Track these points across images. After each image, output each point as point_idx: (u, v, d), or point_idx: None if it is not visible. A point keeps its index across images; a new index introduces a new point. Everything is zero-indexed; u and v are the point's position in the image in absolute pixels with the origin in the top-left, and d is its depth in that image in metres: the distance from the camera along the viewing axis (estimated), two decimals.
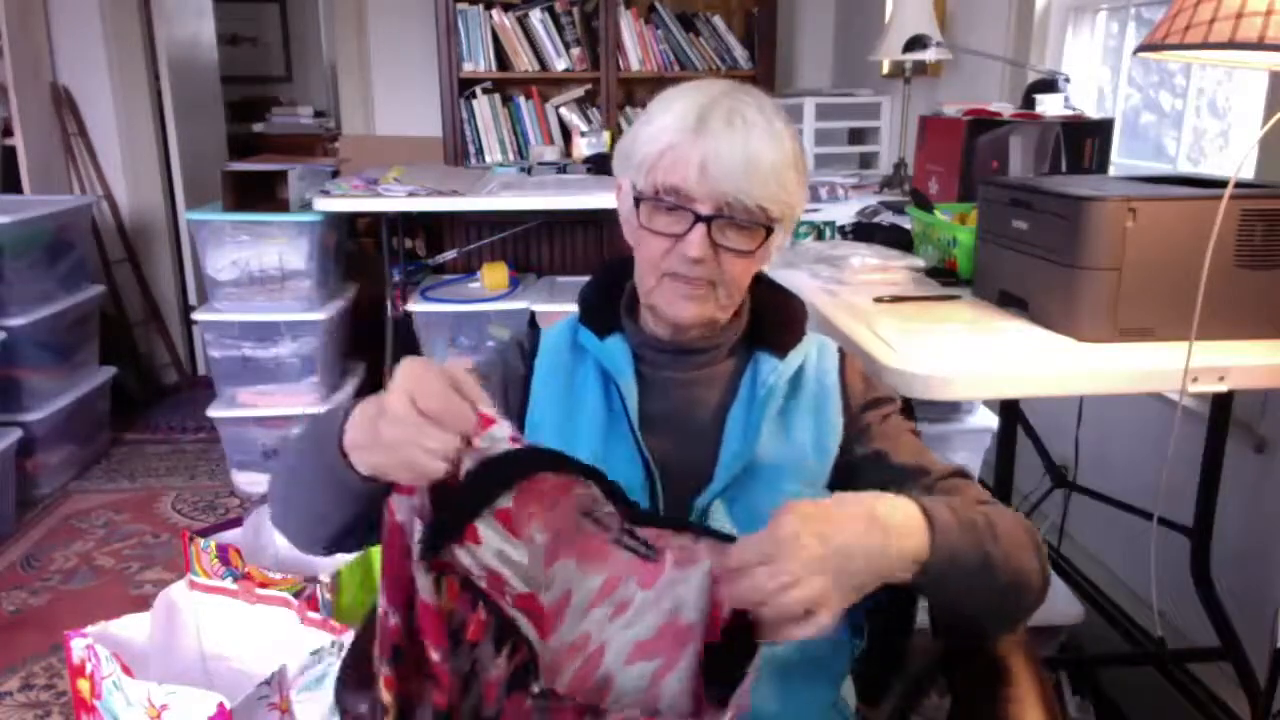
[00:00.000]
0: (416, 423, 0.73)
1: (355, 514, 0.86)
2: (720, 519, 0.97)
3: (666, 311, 1.00)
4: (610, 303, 1.08)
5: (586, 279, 1.15)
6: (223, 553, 1.94)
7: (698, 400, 1.04)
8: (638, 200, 0.98)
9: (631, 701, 0.79)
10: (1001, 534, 0.88)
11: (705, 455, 1.00)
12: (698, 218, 0.95)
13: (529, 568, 0.80)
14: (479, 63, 3.72)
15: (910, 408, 1.46)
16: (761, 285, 1.08)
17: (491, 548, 0.78)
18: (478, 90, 3.80)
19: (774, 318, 1.07)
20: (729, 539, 0.80)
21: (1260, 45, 1.16)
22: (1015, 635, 1.01)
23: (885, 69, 3.45)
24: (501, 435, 0.77)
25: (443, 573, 0.77)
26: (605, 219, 3.23)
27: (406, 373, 0.75)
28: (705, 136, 0.94)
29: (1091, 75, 2.46)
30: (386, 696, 0.78)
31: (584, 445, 1.00)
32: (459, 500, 0.76)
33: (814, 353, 1.07)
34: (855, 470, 1.02)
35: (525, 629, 0.80)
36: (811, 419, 1.03)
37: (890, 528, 0.80)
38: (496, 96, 3.82)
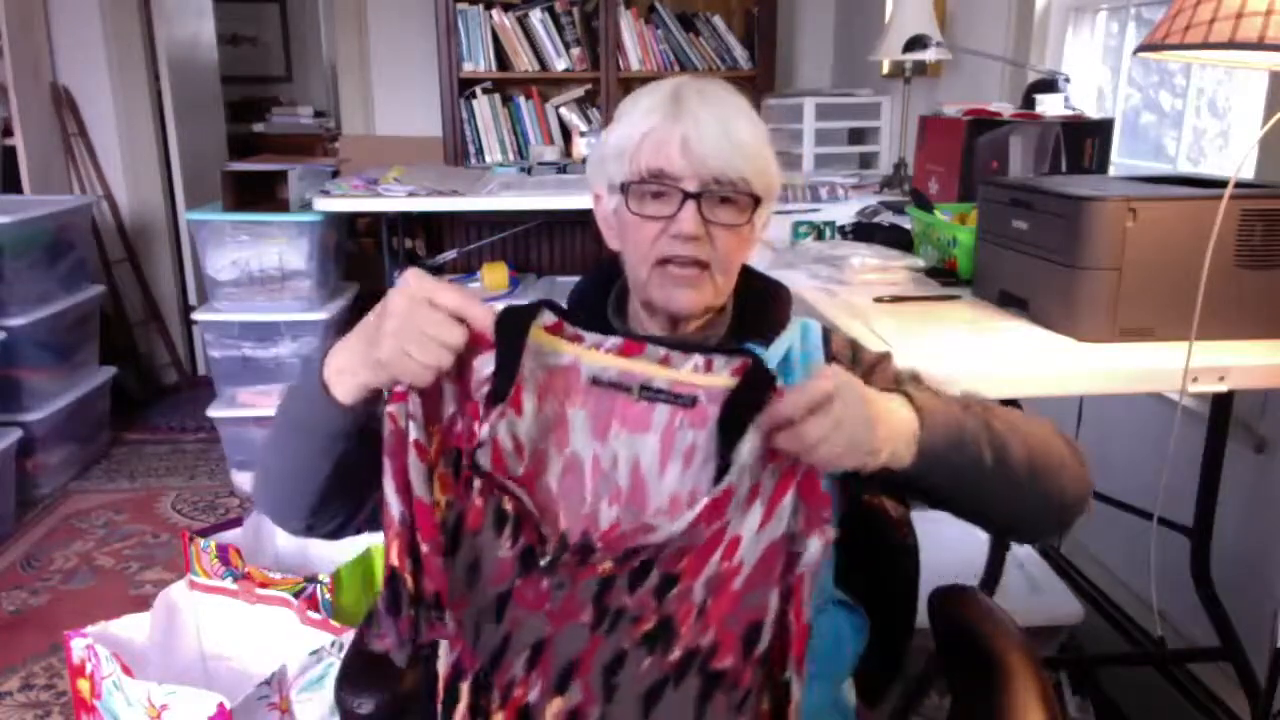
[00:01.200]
0: (429, 314, 0.76)
1: (332, 467, 0.86)
2: None
3: (663, 303, 1.00)
4: (601, 303, 1.09)
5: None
6: (223, 553, 1.94)
7: None
8: (624, 188, 0.99)
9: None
10: (1015, 422, 0.90)
11: None
12: (686, 195, 0.96)
13: (536, 439, 0.82)
14: (479, 63, 3.72)
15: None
16: (744, 278, 1.08)
17: (529, 417, 0.80)
18: (478, 90, 3.80)
19: (758, 307, 1.08)
20: (742, 354, 0.82)
21: (1260, 45, 1.16)
22: (1016, 638, 1.01)
23: (885, 69, 3.45)
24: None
25: (432, 468, 0.79)
26: None
27: (412, 277, 0.79)
28: (683, 116, 0.96)
29: (1091, 75, 2.46)
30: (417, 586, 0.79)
31: None
32: (503, 348, 0.79)
33: (798, 335, 1.07)
34: None
35: (530, 506, 0.80)
36: None
37: (893, 408, 0.85)
38: (496, 96, 3.82)
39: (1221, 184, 1.29)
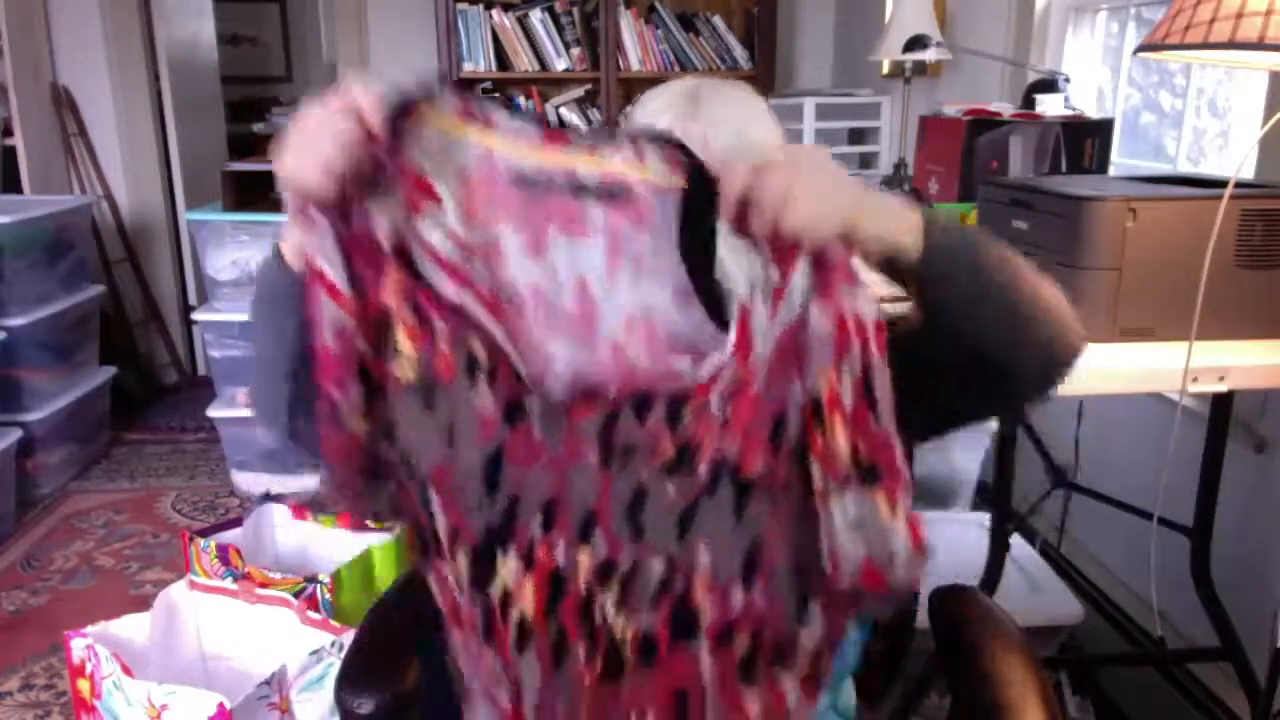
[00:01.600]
0: (312, 114, 0.72)
1: (297, 348, 0.81)
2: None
3: None
4: None
5: None
6: (223, 553, 1.94)
7: None
8: None
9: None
10: (1013, 260, 0.81)
11: None
12: None
13: (482, 248, 0.74)
14: (479, 63, 3.72)
15: None
16: None
17: (451, 215, 0.73)
18: (478, 90, 3.80)
19: None
20: (670, 143, 0.73)
21: (1260, 45, 1.16)
22: (1016, 638, 1.01)
23: (885, 69, 3.45)
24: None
25: (388, 316, 0.74)
26: None
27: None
28: (701, 116, 0.95)
29: (1091, 75, 2.46)
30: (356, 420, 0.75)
31: None
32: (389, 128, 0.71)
33: None
34: None
35: (502, 341, 0.74)
36: None
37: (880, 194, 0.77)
38: (497, 96, 3.82)
39: (1221, 184, 1.29)
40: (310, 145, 0.71)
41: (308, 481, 3.00)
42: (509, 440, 0.74)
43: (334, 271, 0.73)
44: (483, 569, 0.77)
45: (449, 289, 0.73)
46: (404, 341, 0.74)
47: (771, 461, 0.73)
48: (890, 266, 0.77)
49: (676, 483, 0.73)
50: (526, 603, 0.77)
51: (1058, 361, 0.84)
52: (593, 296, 0.74)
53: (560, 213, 0.73)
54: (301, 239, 0.74)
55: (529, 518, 0.75)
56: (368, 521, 2.06)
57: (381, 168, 0.72)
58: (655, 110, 0.98)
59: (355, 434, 0.75)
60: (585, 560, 0.76)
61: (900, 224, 0.76)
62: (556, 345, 0.74)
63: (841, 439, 0.71)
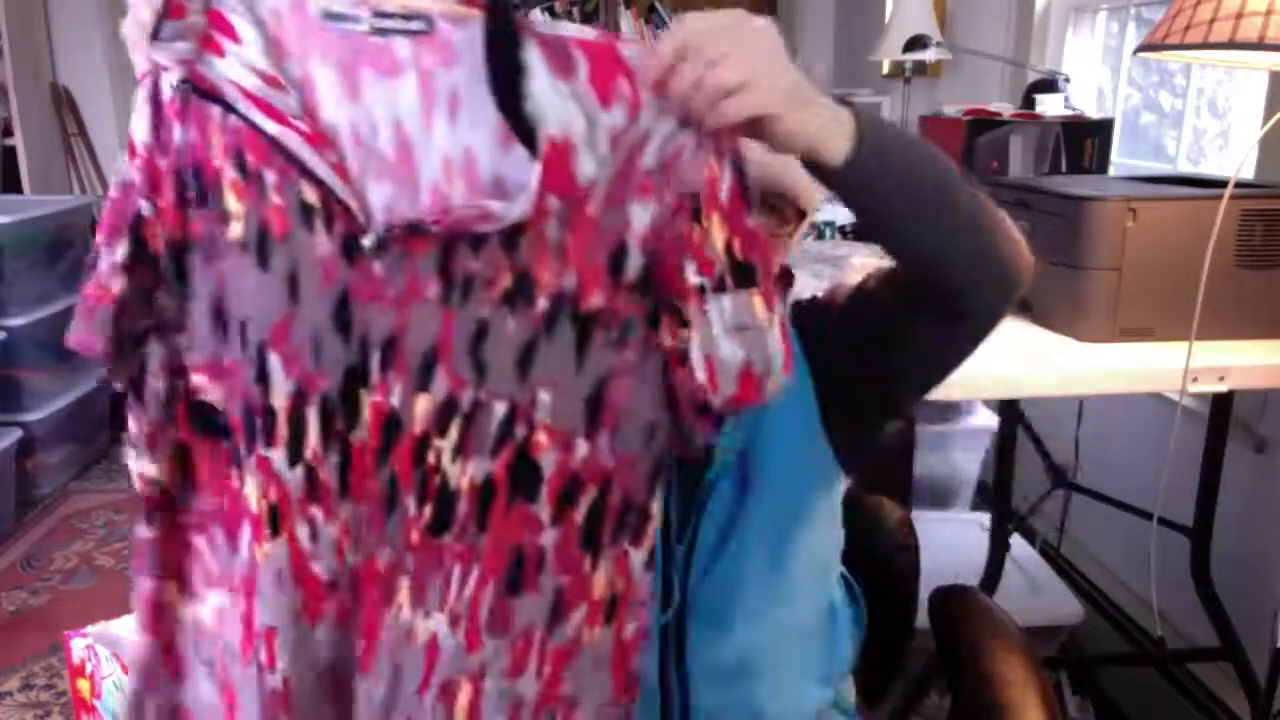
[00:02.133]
0: None
1: None
2: (723, 496, 0.96)
3: None
4: None
5: None
6: None
7: None
8: None
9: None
10: (962, 181, 0.80)
11: None
12: None
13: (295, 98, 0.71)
14: None
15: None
16: None
17: (254, 49, 0.70)
18: None
19: None
20: None
21: (1260, 45, 1.16)
22: (1016, 638, 1.01)
23: (885, 69, 3.45)
24: None
25: (219, 176, 0.71)
26: None
27: None
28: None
29: (1091, 75, 2.46)
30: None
31: None
32: None
33: None
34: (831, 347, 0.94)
35: (327, 177, 0.70)
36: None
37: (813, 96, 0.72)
38: None
39: (1221, 184, 1.29)
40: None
41: None
42: (351, 280, 0.71)
43: (136, 127, 0.72)
44: (343, 415, 0.73)
45: (270, 126, 0.70)
46: (231, 200, 0.71)
47: (612, 295, 0.71)
48: (814, 166, 0.73)
49: (517, 317, 0.71)
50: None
51: (996, 291, 0.84)
52: (409, 139, 0.71)
53: (369, 50, 0.70)
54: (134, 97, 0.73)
55: (371, 358, 0.72)
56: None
57: (180, 10, 0.70)
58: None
59: (111, 292, 0.74)
60: (424, 403, 0.72)
61: (835, 128, 0.71)
62: (377, 189, 0.71)
63: (719, 236, 0.70)
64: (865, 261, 1.77)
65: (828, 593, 1.02)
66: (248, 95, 0.70)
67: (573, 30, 0.69)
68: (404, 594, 0.76)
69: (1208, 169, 2.03)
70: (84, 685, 1.62)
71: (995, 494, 1.76)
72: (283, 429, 0.73)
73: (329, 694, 0.78)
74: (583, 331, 0.71)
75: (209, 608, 0.80)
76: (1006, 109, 2.22)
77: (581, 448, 0.74)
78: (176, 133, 0.71)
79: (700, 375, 0.71)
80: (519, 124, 0.69)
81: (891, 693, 1.21)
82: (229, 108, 0.70)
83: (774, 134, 0.69)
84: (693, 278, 0.70)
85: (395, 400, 0.72)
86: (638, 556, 0.77)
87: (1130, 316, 1.34)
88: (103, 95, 3.87)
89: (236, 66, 0.70)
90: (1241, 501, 1.72)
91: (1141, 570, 1.58)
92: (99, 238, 0.74)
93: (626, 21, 3.72)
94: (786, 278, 0.86)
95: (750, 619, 0.94)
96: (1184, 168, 2.08)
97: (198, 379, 0.76)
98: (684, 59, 0.65)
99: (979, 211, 0.81)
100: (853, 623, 1.05)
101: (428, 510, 0.74)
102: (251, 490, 0.75)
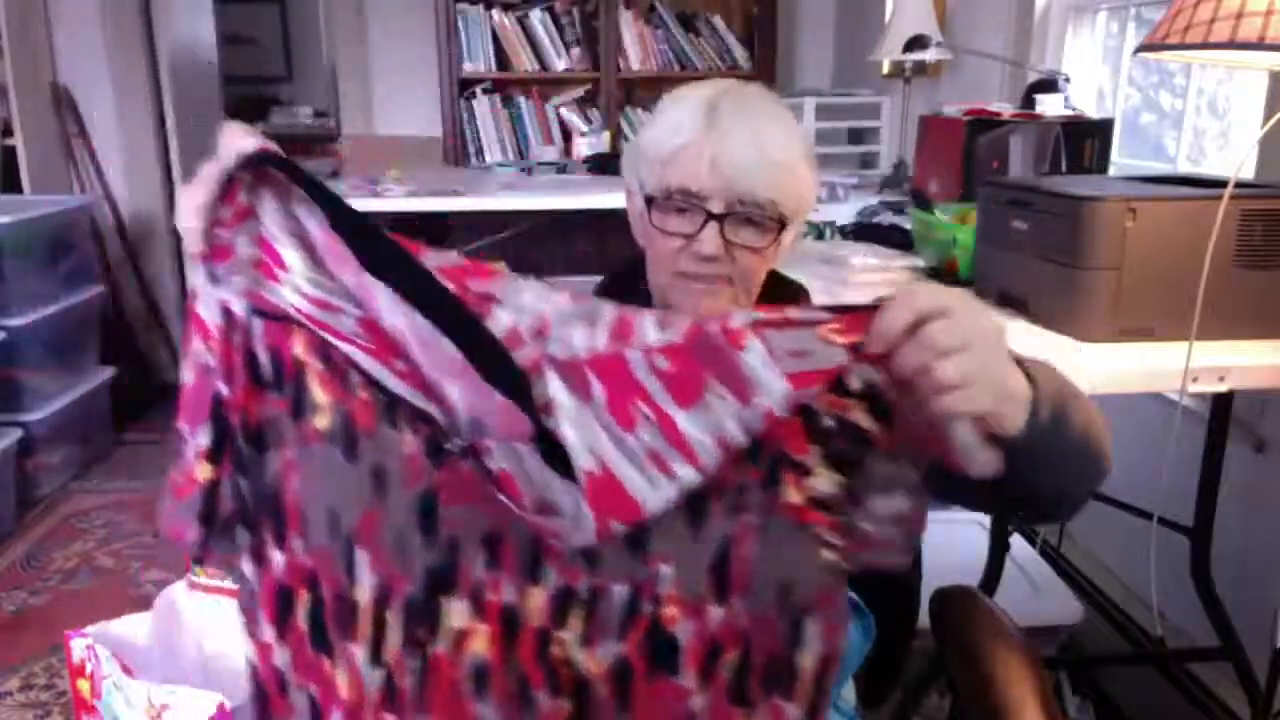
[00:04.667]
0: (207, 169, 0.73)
1: None
2: None
3: (684, 310, 0.98)
4: (627, 302, 1.05)
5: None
6: None
7: None
8: (649, 200, 0.98)
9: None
10: (1081, 398, 0.80)
11: None
12: (710, 216, 0.95)
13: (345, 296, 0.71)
14: (479, 63, 3.72)
15: None
16: (768, 284, 1.06)
17: (301, 274, 0.71)
18: (478, 90, 3.80)
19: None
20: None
21: (1260, 45, 1.16)
22: (1016, 639, 1.01)
23: (885, 69, 3.45)
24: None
25: (303, 368, 0.71)
26: (606, 219, 3.23)
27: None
28: (716, 132, 0.94)
29: (1091, 75, 2.46)
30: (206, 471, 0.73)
31: None
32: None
33: None
34: None
35: (400, 389, 0.71)
36: None
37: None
38: (496, 96, 3.82)
39: (1221, 184, 1.29)
40: (189, 202, 0.72)
41: None
42: (439, 479, 0.71)
43: (207, 311, 0.72)
44: (425, 621, 0.72)
45: (338, 344, 0.71)
46: (317, 391, 0.72)
47: (720, 467, 0.68)
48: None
49: None
50: (479, 644, 0.72)
51: (1086, 494, 0.87)
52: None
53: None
54: (190, 277, 0.73)
55: (473, 558, 0.71)
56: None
57: (225, 252, 0.71)
58: (676, 122, 0.97)
59: (199, 479, 0.73)
60: (538, 595, 0.71)
61: (1017, 398, 0.70)
62: (454, 386, 0.70)
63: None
64: (865, 261, 1.77)
65: None
66: (308, 318, 0.71)
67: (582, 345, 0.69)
68: None
69: (1208, 169, 2.03)
70: (84, 685, 1.62)
71: None
72: (365, 625, 0.73)
73: None
74: (695, 504, 0.69)
75: None
76: (1006, 109, 2.22)
77: (715, 612, 0.71)
78: (256, 320, 0.72)
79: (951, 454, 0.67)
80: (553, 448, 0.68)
81: (892, 693, 1.21)
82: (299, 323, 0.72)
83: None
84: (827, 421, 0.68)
85: (508, 597, 0.71)
86: (794, 712, 0.73)
87: (1130, 316, 1.34)
88: (103, 95, 3.87)
89: (290, 292, 0.71)
90: (1241, 501, 1.72)
91: (1141, 570, 1.58)
92: (180, 425, 0.73)
93: (626, 22, 3.72)
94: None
95: None
96: (1184, 168, 2.08)
97: (288, 562, 0.74)
98: (915, 339, 0.64)
99: (1094, 437, 0.82)
100: (862, 634, 1.05)
101: (564, 703, 0.72)
102: (342, 679, 0.74)
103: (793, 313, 0.67)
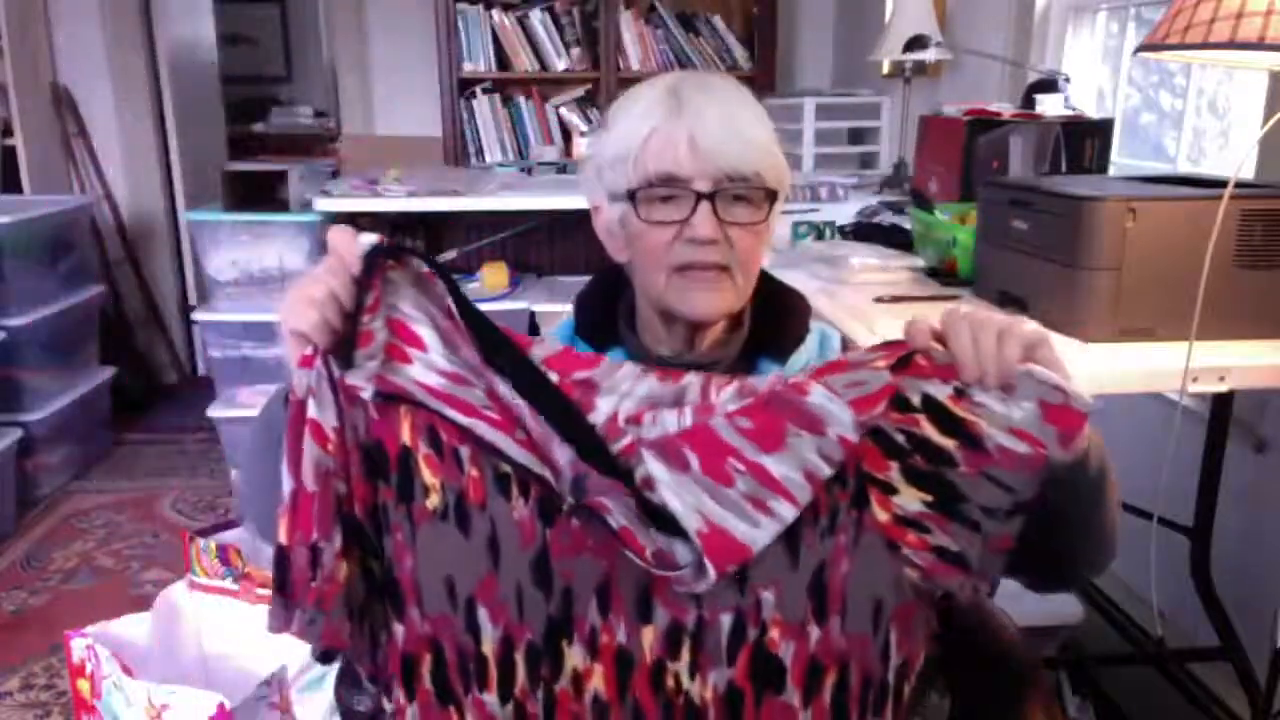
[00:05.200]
0: (312, 270, 0.75)
1: None
2: None
3: (685, 310, 0.95)
4: (609, 314, 1.03)
5: (587, 280, 1.11)
6: (223, 553, 1.94)
7: None
8: (632, 196, 0.93)
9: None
10: (1116, 481, 0.88)
11: None
12: (699, 196, 0.91)
13: (474, 376, 0.77)
14: (479, 63, 3.72)
15: None
16: (761, 286, 1.03)
17: (438, 351, 0.76)
18: (478, 90, 3.80)
19: (774, 321, 1.03)
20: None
21: (1260, 45, 1.16)
22: (1016, 638, 1.01)
23: (885, 69, 3.45)
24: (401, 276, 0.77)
25: (410, 454, 0.76)
26: None
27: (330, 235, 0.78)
28: (686, 112, 0.91)
29: (1091, 75, 2.46)
30: (343, 573, 0.76)
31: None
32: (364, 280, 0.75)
33: (816, 347, 1.03)
34: None
35: (521, 457, 0.76)
36: None
37: None
38: (496, 96, 3.82)
39: (1221, 184, 1.29)
40: (304, 298, 0.75)
41: None
42: (551, 538, 0.77)
43: (322, 413, 0.74)
44: (548, 663, 0.78)
45: (460, 419, 0.76)
46: (428, 475, 0.77)
47: (821, 491, 0.76)
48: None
49: None
50: (597, 682, 0.78)
51: (1089, 573, 0.96)
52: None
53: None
54: (296, 382, 0.75)
55: (586, 605, 0.78)
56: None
57: (369, 337, 0.76)
58: (640, 113, 0.93)
59: (339, 581, 0.75)
60: (649, 634, 0.78)
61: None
62: (561, 450, 0.76)
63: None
64: (866, 261, 1.77)
65: None
66: (436, 394, 0.76)
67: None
68: None
69: (1208, 169, 2.03)
70: (84, 685, 1.62)
71: None
72: (494, 672, 0.79)
73: None
74: (790, 532, 0.76)
75: None
76: (1006, 109, 2.22)
77: (815, 633, 0.78)
78: (358, 414, 0.76)
79: (1021, 447, 0.74)
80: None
81: None
82: (418, 402, 0.76)
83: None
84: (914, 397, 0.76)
85: (622, 638, 0.78)
86: None
87: (1130, 316, 1.34)
88: (103, 95, 3.87)
89: (422, 370, 0.76)
90: (1241, 501, 1.72)
91: (1141, 570, 1.58)
92: (314, 536, 0.74)
93: (626, 22, 3.72)
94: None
95: None
96: (1184, 168, 2.08)
97: (407, 632, 0.79)
98: (970, 330, 0.75)
99: (1114, 519, 0.90)
100: None
101: None
102: None
103: (842, 358, 0.79)
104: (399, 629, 0.79)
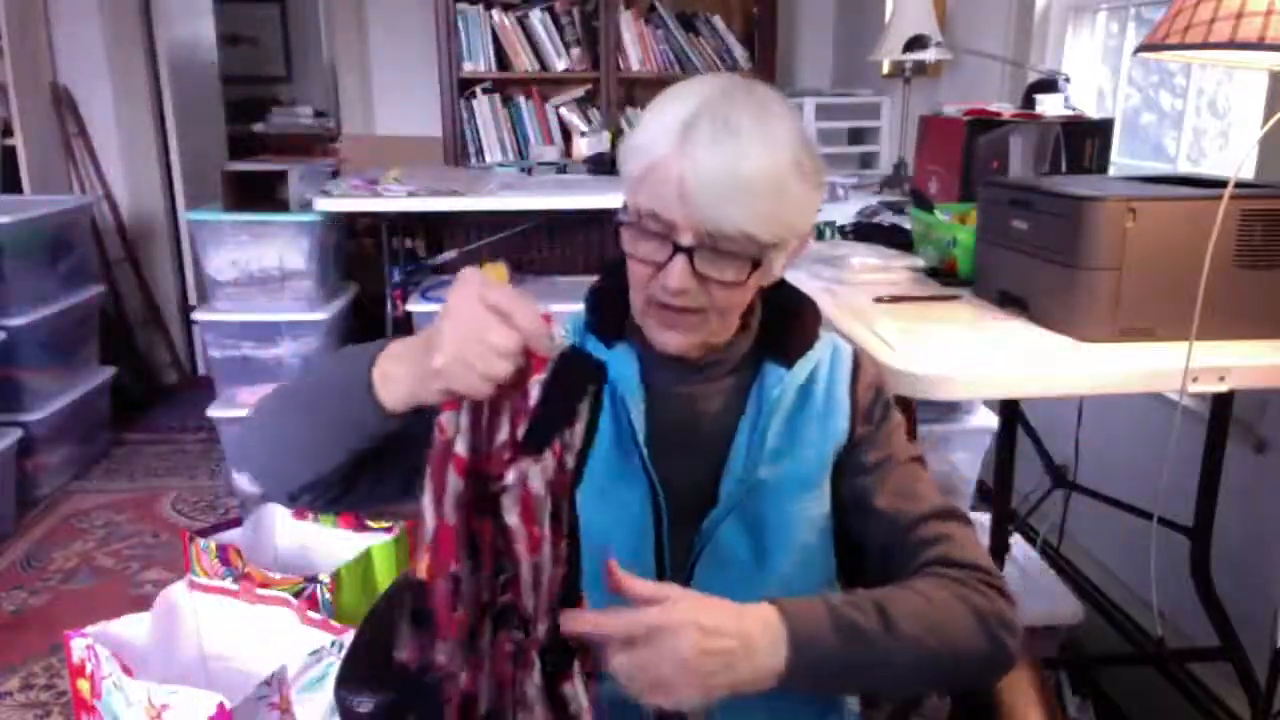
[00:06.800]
0: (483, 317, 0.71)
1: (345, 459, 0.84)
2: (729, 539, 0.96)
3: (654, 340, 0.95)
4: (618, 308, 1.01)
5: (587, 279, 1.10)
6: (223, 553, 1.94)
7: (705, 415, 0.99)
8: (620, 221, 0.92)
9: None
10: (916, 622, 0.83)
11: (711, 474, 0.97)
12: (677, 248, 0.87)
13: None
14: (479, 63, 3.72)
15: (912, 411, 1.46)
16: (773, 290, 1.01)
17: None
18: (478, 90, 3.80)
19: (783, 325, 1.02)
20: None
21: (1260, 45, 1.16)
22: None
23: (885, 69, 3.45)
24: (561, 343, 0.75)
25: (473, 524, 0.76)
26: (605, 219, 3.23)
27: (470, 278, 0.74)
28: (687, 152, 0.85)
29: (1091, 75, 2.46)
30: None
31: (588, 463, 0.90)
32: (558, 396, 0.73)
33: (827, 358, 1.02)
34: (839, 498, 0.99)
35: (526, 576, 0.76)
36: (818, 429, 0.99)
37: (757, 650, 0.78)
38: (496, 96, 3.82)
39: (1221, 184, 1.29)
40: (492, 348, 0.71)
41: None
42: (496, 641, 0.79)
43: (465, 446, 0.73)
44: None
45: (511, 515, 0.76)
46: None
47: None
48: None
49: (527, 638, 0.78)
50: None
51: (965, 683, 0.96)
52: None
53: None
54: (445, 421, 0.74)
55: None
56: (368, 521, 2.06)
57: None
58: (657, 132, 0.88)
59: (467, 611, 0.76)
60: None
61: (756, 685, 0.79)
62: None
63: None
64: (865, 261, 1.77)
65: None
66: (524, 499, 0.76)
67: None
68: None
69: (1208, 169, 2.03)
70: (84, 685, 1.62)
71: (995, 494, 1.76)
72: None
73: None
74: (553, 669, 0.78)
75: None
76: (1006, 109, 2.22)
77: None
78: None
79: None
80: None
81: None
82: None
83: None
84: None
85: None
86: None
87: (1130, 316, 1.34)
88: (103, 95, 3.87)
89: (538, 478, 0.75)
90: (1241, 501, 1.72)
91: (1141, 570, 1.58)
92: (454, 567, 0.75)
93: (626, 22, 3.72)
94: None
95: None
96: (1184, 168, 2.08)
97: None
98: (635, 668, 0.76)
99: (919, 659, 0.84)
100: None
101: None
102: None
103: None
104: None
